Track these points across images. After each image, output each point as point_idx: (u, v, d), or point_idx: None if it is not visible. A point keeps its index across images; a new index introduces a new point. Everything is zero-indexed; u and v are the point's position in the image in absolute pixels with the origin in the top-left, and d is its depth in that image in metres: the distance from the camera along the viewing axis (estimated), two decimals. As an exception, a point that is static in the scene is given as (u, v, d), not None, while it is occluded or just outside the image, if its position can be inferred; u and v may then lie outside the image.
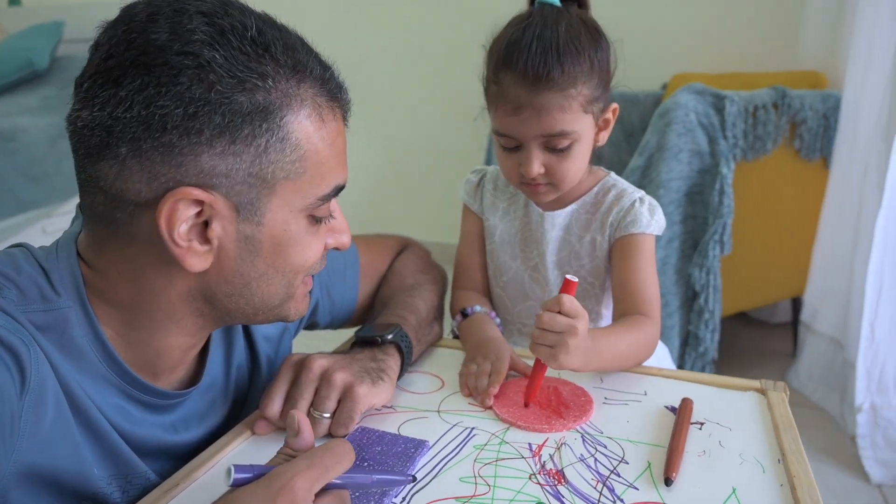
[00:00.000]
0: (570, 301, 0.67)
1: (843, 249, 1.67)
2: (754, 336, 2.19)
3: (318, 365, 0.68)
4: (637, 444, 0.66)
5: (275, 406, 0.67)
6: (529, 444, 0.66)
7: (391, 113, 3.07)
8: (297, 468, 0.46)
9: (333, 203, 0.62)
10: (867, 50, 1.64)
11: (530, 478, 0.61)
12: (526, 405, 0.72)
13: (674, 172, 1.51)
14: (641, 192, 0.89)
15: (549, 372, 0.79)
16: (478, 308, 0.90)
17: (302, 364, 0.69)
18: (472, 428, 0.69)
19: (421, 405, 0.74)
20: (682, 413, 0.69)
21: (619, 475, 0.61)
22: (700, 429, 0.68)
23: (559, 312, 0.67)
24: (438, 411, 0.73)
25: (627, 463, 0.63)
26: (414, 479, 0.59)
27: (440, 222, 2.34)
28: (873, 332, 1.44)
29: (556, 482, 0.60)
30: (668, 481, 0.59)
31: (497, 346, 0.80)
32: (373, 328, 0.79)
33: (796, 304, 1.99)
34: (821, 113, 1.72)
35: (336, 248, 0.64)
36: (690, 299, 1.60)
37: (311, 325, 0.88)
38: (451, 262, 1.03)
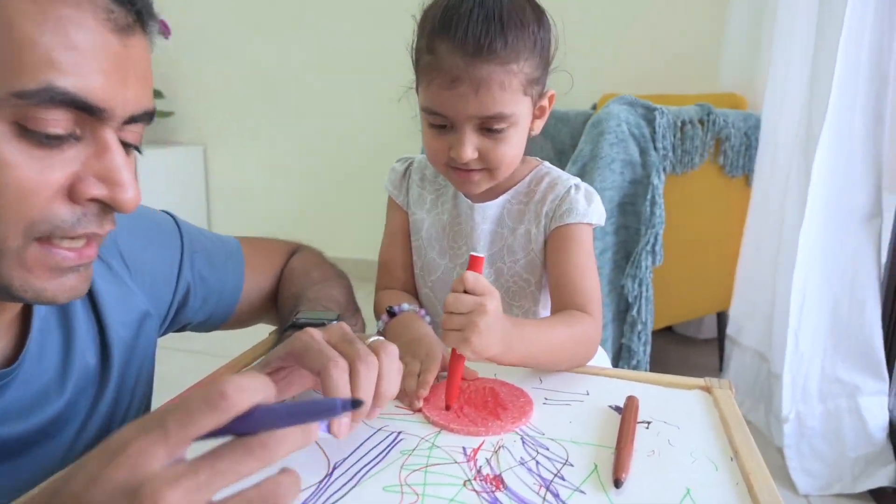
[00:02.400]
0: (474, 278, 0.61)
1: (766, 264, 1.70)
2: (682, 351, 2.22)
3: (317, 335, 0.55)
4: (582, 446, 0.59)
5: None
6: (464, 449, 0.58)
7: (315, 124, 2.99)
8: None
9: (109, 140, 0.46)
10: (784, 74, 1.71)
11: (465, 484, 0.53)
12: (447, 407, 0.64)
13: (607, 182, 1.50)
14: (577, 180, 0.84)
15: (486, 372, 0.72)
16: (405, 306, 0.83)
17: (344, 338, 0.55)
18: (399, 432, 0.61)
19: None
20: (627, 412, 0.64)
21: (563, 478, 0.54)
22: (647, 427, 0.63)
23: (464, 292, 0.61)
24: (361, 415, 0.64)
25: (572, 465, 0.56)
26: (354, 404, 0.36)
27: (367, 238, 2.26)
28: (797, 342, 1.46)
29: (494, 488, 0.52)
30: (617, 483, 0.53)
31: (427, 344, 0.72)
32: (309, 314, 0.70)
33: (721, 318, 2.02)
34: (742, 131, 1.78)
35: (112, 206, 0.47)
36: (623, 311, 1.59)
37: (181, 317, 0.77)
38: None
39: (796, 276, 1.44)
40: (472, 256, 0.62)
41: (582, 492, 0.52)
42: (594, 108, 2.25)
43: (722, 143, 1.74)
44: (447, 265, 0.88)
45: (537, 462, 0.56)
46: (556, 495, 0.52)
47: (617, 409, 0.66)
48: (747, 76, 2.00)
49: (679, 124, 1.60)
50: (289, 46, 2.94)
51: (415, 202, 0.91)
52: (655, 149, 1.52)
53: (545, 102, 0.81)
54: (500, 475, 0.54)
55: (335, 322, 0.66)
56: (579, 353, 0.74)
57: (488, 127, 0.74)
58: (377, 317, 0.87)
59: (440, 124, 0.76)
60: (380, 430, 0.61)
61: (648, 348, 1.59)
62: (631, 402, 0.66)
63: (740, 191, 1.86)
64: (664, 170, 1.55)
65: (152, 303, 0.70)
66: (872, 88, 1.40)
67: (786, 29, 1.69)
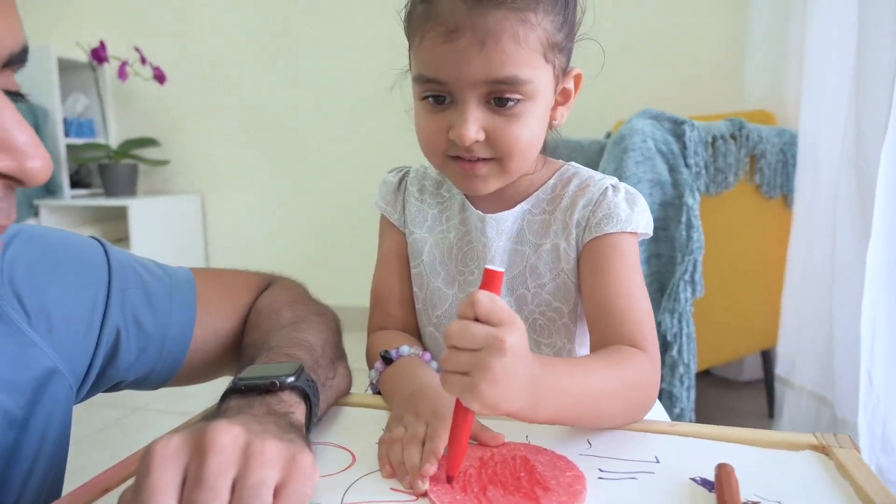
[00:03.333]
0: (490, 300, 0.43)
1: (818, 293, 1.51)
2: (723, 396, 1.99)
3: (231, 436, 0.38)
4: (667, 545, 0.40)
5: None
6: (491, 556, 0.39)
7: (313, 169, 2.88)
8: None
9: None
10: (820, 86, 1.56)
11: None
12: (449, 480, 0.46)
13: (634, 204, 1.32)
14: (614, 180, 0.67)
15: (513, 433, 0.53)
16: (405, 349, 0.64)
17: (196, 442, 0.38)
18: (396, 531, 0.42)
19: (319, 495, 0.46)
20: (724, 488, 0.44)
21: None
22: (756, 512, 0.43)
23: (475, 320, 0.43)
24: (342, 505, 0.45)
25: (660, 581, 0.37)
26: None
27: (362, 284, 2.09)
28: (872, 382, 1.25)
29: None
30: None
31: (434, 398, 0.54)
32: (259, 369, 0.51)
33: (767, 357, 1.81)
34: (778, 147, 1.61)
35: (18, 180, 0.37)
36: (661, 352, 1.38)
37: (111, 373, 0.59)
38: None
39: (865, 306, 1.24)
40: (487, 271, 0.44)
41: None
42: (608, 136, 2.10)
43: (757, 161, 1.57)
44: (456, 295, 0.70)
45: (605, 577, 0.37)
46: None
47: (704, 482, 0.47)
48: (775, 91, 1.85)
49: (710, 140, 1.44)
50: (285, 90, 2.84)
51: (413, 219, 0.74)
52: (687, 165, 1.36)
53: (570, 84, 0.64)
54: None
55: (291, 380, 0.48)
56: (634, 404, 0.55)
57: (498, 96, 0.57)
58: (369, 365, 0.69)
59: (436, 95, 0.59)
60: (367, 528, 0.42)
61: (693, 393, 1.38)
62: (726, 472, 0.46)
63: (779, 213, 1.68)
64: (698, 190, 1.38)
65: (63, 357, 0.53)
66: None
67: (818, 39, 1.55)
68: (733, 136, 1.50)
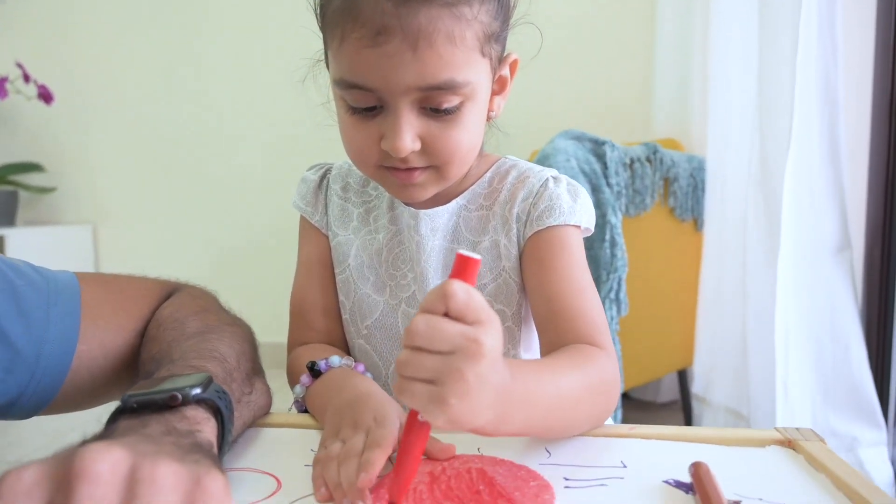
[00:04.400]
0: (466, 294, 0.36)
1: (731, 310, 1.56)
2: (642, 419, 2.00)
3: (109, 461, 0.30)
4: (656, 554, 0.35)
5: None
6: (457, 583, 0.32)
7: (219, 195, 2.73)
8: None
9: None
10: (725, 115, 1.64)
11: None
12: None
13: (559, 223, 1.31)
14: (554, 171, 0.64)
15: (463, 445, 0.47)
16: (335, 359, 0.57)
17: (62, 472, 0.29)
18: (338, 562, 0.34)
19: (233, 529, 0.37)
20: (705, 487, 0.40)
21: None
22: (740, 511, 0.39)
23: (445, 315, 0.36)
24: (268, 537, 0.37)
25: None
26: None
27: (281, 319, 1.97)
28: (787, 394, 1.29)
29: None
30: None
31: (375, 405, 0.47)
32: (156, 382, 0.42)
33: (682, 377, 1.84)
34: (689, 172, 1.68)
35: None
36: (588, 372, 1.36)
37: None
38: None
39: (778, 322, 1.28)
40: (460, 257, 0.37)
41: None
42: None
43: (671, 184, 1.62)
44: (387, 302, 0.64)
45: None
46: None
47: (679, 484, 0.43)
48: (682, 120, 1.95)
49: (628, 162, 1.47)
50: (184, 110, 2.68)
51: (337, 220, 0.67)
52: (609, 185, 1.37)
53: (506, 71, 0.61)
54: None
55: (197, 392, 0.40)
56: (599, 407, 0.51)
57: (434, 105, 0.52)
58: (292, 384, 0.60)
59: (364, 106, 0.53)
60: (302, 561, 0.34)
61: (620, 415, 1.37)
62: (704, 471, 0.42)
63: (690, 236, 1.74)
64: (620, 209, 1.40)
65: None
66: (825, 115, 1.33)
67: (720, 71, 1.64)
68: (649, 160, 1.55)
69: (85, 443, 0.33)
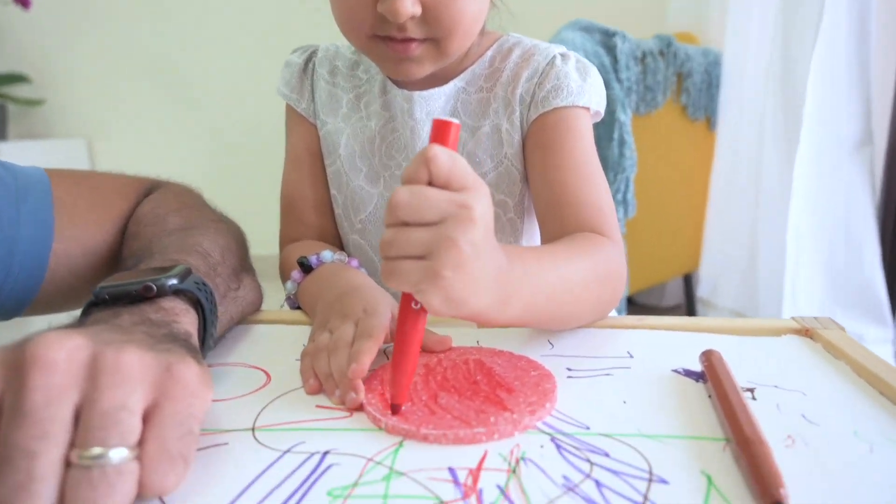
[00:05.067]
0: (449, 158, 0.32)
1: (742, 213, 1.52)
2: (646, 324, 2.01)
3: (66, 348, 0.27)
4: (664, 441, 0.33)
5: None
6: (451, 470, 0.30)
7: (216, 107, 2.64)
8: None
9: None
10: (746, 8, 1.53)
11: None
12: (394, 409, 0.35)
13: (566, 121, 1.25)
14: (562, 48, 0.58)
15: (460, 338, 0.45)
16: (327, 255, 0.54)
17: (14, 361, 0.26)
18: (325, 452, 0.32)
19: (225, 420, 0.36)
20: (717, 374, 0.38)
21: (660, 511, 0.27)
22: (753, 398, 0.37)
23: (429, 184, 0.32)
24: (253, 429, 0.35)
25: (666, 482, 0.29)
26: None
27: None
28: (795, 294, 1.27)
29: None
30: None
31: (366, 297, 0.44)
32: (130, 275, 0.39)
33: (688, 281, 1.83)
34: (703, 67, 1.58)
35: None
36: (593, 275, 1.35)
37: None
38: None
39: (790, 224, 1.24)
40: (437, 122, 0.33)
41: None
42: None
43: (684, 80, 1.53)
44: (382, 194, 0.60)
45: (598, 482, 0.29)
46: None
47: (689, 373, 0.40)
48: (698, 13, 1.82)
49: (640, 56, 1.38)
50: (180, 16, 2.55)
51: (325, 107, 0.62)
52: (619, 80, 1.29)
53: None
54: (536, 519, 0.27)
55: (173, 282, 0.37)
56: (606, 297, 0.48)
57: None
58: (284, 279, 0.58)
59: None
60: (288, 452, 0.32)
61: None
62: (716, 359, 0.40)
63: (703, 136, 1.67)
64: (629, 106, 1.33)
65: None
66: (854, 8, 1.23)
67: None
68: (661, 53, 1.45)
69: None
